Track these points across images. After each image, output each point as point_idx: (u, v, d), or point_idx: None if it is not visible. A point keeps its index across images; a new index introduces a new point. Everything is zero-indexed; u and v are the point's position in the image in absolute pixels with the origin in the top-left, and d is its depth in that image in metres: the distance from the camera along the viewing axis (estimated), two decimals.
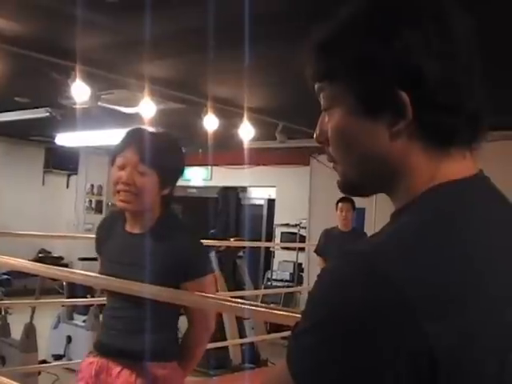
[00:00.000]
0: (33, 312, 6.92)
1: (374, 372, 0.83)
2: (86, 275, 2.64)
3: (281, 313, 2.03)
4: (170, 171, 2.77)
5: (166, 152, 2.75)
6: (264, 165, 12.22)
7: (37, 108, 9.09)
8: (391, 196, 1.05)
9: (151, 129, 2.84)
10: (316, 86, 1.08)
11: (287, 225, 12.03)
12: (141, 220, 2.76)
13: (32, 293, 8.20)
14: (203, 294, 2.68)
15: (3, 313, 7.31)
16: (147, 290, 2.59)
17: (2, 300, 7.80)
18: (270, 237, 12.86)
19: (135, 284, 2.62)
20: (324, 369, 0.86)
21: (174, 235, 2.72)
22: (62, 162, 14.05)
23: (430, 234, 0.92)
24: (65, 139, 11.66)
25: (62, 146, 12.24)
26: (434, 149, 1.00)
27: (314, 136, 1.11)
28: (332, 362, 0.85)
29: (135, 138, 2.74)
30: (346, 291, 0.87)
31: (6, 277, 8.08)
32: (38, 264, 2.92)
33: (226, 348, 7.76)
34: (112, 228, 2.88)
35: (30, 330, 6.78)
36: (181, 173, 2.85)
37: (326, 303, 0.88)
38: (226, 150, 11.36)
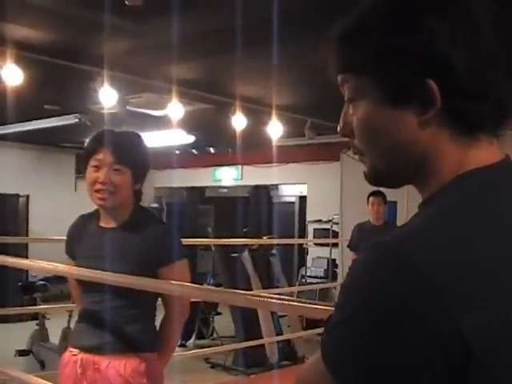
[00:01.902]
0: (70, 316, 7.00)
1: (407, 361, 0.83)
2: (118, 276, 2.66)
3: (312, 306, 2.03)
4: (141, 167, 2.91)
5: (137, 150, 2.91)
6: (294, 162, 12.20)
7: (66, 115, 9.17)
8: (419, 186, 1.05)
9: (116, 129, 2.97)
10: (339, 78, 1.08)
11: (319, 221, 12.00)
12: (115, 215, 2.87)
13: (68, 297, 8.29)
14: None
15: (41, 318, 7.41)
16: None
17: (39, 305, 7.89)
18: (302, 234, 12.84)
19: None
20: (357, 360, 0.86)
21: (146, 226, 2.83)
22: None
23: (459, 219, 0.92)
24: None
25: None
26: (461, 136, 0.99)
27: (338, 128, 1.10)
28: (365, 353, 0.85)
29: (108, 139, 2.85)
30: (375, 282, 0.87)
31: (42, 282, 8.16)
32: (71, 267, 2.95)
33: (262, 346, 7.77)
34: (84, 228, 2.96)
35: (67, 334, 6.86)
36: (148, 168, 2.97)
37: (356, 295, 0.89)
38: (255, 149, 11.36)
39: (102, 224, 2.90)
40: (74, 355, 2.82)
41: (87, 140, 3.00)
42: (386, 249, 0.90)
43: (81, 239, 2.92)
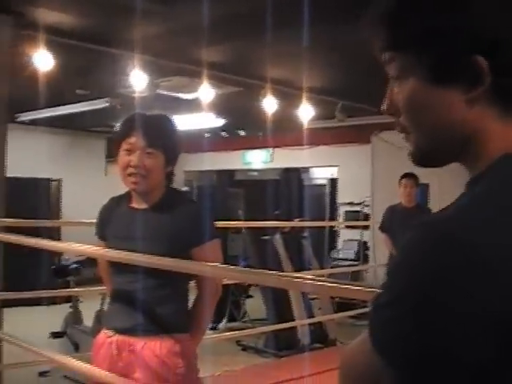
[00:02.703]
0: (103, 299, 7.08)
1: (457, 343, 0.82)
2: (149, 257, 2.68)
3: (343, 286, 2.05)
4: (173, 150, 2.94)
5: (168, 132, 2.94)
6: (325, 144, 12.18)
7: (97, 99, 9.23)
8: (465, 164, 1.03)
9: (148, 112, 2.99)
10: (385, 56, 1.05)
11: (351, 203, 11.99)
12: (148, 197, 2.89)
13: (101, 280, 8.37)
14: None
15: (75, 300, 7.50)
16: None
17: (73, 288, 7.98)
18: (333, 216, 12.83)
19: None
20: (405, 341, 0.85)
21: (177, 207, 2.85)
22: None
23: (508, 199, 0.90)
24: None
25: None
26: (509, 114, 0.98)
27: (384, 107, 1.09)
28: (413, 335, 0.84)
29: (139, 122, 2.87)
30: (423, 261, 0.86)
31: (75, 266, 8.25)
32: (104, 248, 2.99)
33: (293, 329, 7.80)
34: (115, 209, 2.99)
35: (101, 317, 6.94)
36: (180, 150, 3.00)
37: (404, 275, 0.88)
38: (285, 132, 11.35)
39: (134, 205, 2.93)
40: (109, 337, 2.85)
41: (119, 124, 3.03)
42: (434, 228, 0.89)
43: (112, 221, 2.95)
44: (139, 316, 2.80)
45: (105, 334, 2.89)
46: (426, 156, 1.06)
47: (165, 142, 2.87)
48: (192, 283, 2.96)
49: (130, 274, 2.80)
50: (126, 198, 2.97)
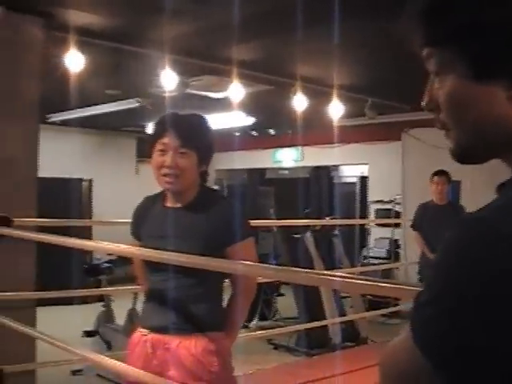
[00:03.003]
0: (135, 298, 7.12)
1: (503, 342, 0.81)
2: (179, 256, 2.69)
3: (375, 284, 2.03)
4: (206, 149, 2.94)
5: (201, 132, 2.94)
6: (355, 142, 12.13)
7: (127, 99, 9.28)
8: (507, 161, 1.01)
9: (182, 112, 2.98)
10: (424, 52, 1.04)
11: (381, 201, 11.93)
12: (182, 196, 2.90)
13: (133, 279, 8.41)
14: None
15: (107, 299, 7.55)
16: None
17: (104, 287, 8.04)
18: (363, 214, 12.77)
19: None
20: (448, 340, 0.84)
21: (212, 205, 2.86)
22: None
23: None
24: None
25: None
26: None
27: (423, 103, 1.08)
28: (455, 333, 0.84)
29: (172, 122, 2.88)
30: (468, 258, 0.85)
31: (107, 265, 8.31)
32: (138, 248, 3.00)
33: (325, 327, 7.79)
34: (150, 208, 3.00)
35: (133, 315, 6.98)
36: (214, 149, 2.99)
37: (448, 272, 0.87)
38: (315, 130, 11.33)
39: (168, 204, 2.94)
40: (144, 335, 2.87)
41: (151, 124, 3.05)
42: (479, 224, 0.87)
43: (146, 220, 2.96)
44: (174, 315, 2.81)
45: (140, 333, 2.91)
46: (467, 152, 1.05)
47: (198, 141, 2.87)
48: (227, 282, 2.96)
49: (164, 273, 2.81)
50: (161, 197, 2.98)
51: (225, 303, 2.98)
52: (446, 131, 1.05)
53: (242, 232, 2.83)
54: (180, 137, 2.82)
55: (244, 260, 2.67)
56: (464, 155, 1.05)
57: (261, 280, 6.45)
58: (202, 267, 2.60)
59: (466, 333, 0.83)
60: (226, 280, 2.96)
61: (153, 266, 2.88)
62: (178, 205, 2.91)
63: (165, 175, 2.84)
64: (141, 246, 2.96)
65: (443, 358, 0.85)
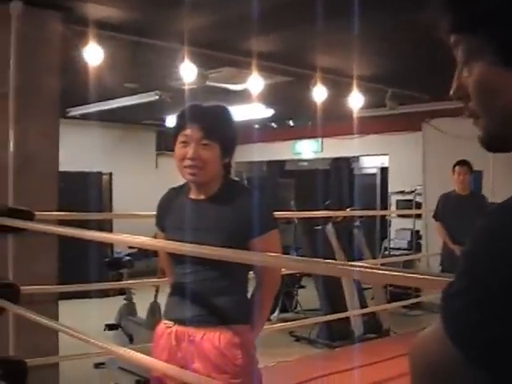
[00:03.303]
0: (157, 291, 7.15)
1: None
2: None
3: (397, 273, 2.02)
4: (229, 141, 2.93)
5: (224, 123, 2.93)
6: (375, 133, 12.09)
7: (146, 92, 9.30)
8: None
9: (205, 103, 2.97)
10: (452, 40, 1.03)
11: (402, 192, 11.89)
12: (206, 188, 2.90)
13: (154, 272, 8.48)
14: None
15: (129, 293, 7.59)
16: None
17: (126, 280, 8.08)
18: (384, 205, 12.74)
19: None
20: (480, 331, 0.84)
21: (236, 197, 2.86)
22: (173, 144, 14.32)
23: None
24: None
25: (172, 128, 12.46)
26: None
27: (452, 92, 1.06)
28: (485, 324, 0.83)
29: (195, 114, 2.87)
30: (495, 248, 0.84)
31: (128, 258, 8.35)
32: (162, 240, 3.01)
33: (346, 319, 7.79)
34: (174, 200, 3.00)
35: (155, 309, 7.01)
36: (237, 141, 2.99)
37: (474, 263, 0.86)
38: (335, 121, 11.30)
39: (192, 196, 2.94)
40: (169, 327, 2.88)
41: (171, 117, 3.05)
42: (508, 213, 0.87)
43: (171, 211, 2.97)
44: (198, 307, 2.82)
45: (164, 325, 2.92)
46: (496, 140, 1.03)
47: (221, 133, 2.87)
48: (251, 274, 2.96)
49: (188, 265, 2.82)
50: (185, 188, 2.99)
51: (249, 296, 2.98)
52: (474, 119, 1.04)
53: (266, 224, 2.83)
54: (202, 128, 2.82)
55: (269, 252, 2.66)
56: (493, 143, 1.04)
57: (282, 272, 6.46)
58: (226, 259, 2.60)
59: (495, 324, 0.82)
60: (251, 272, 2.95)
61: (177, 259, 2.89)
62: (202, 196, 2.91)
63: (187, 167, 2.84)
64: (165, 238, 2.97)
65: (474, 348, 0.85)
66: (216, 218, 2.83)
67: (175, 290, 2.98)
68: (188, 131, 2.83)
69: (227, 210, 2.82)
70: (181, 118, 2.91)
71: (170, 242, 2.85)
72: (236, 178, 3.17)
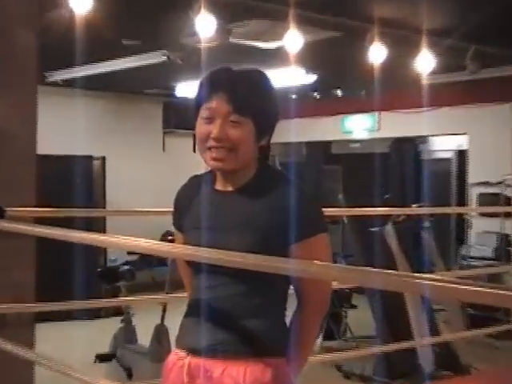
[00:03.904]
0: (164, 310, 7.16)
1: None
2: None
3: (480, 289, 1.95)
4: (267, 117, 2.87)
5: (261, 94, 2.86)
6: (450, 105, 12.02)
7: (150, 52, 9.29)
8: None
9: (235, 67, 2.90)
10: None
11: (486, 183, 11.79)
12: (236, 177, 2.87)
13: (161, 286, 8.46)
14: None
15: (127, 313, 7.60)
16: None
17: (124, 297, 8.08)
18: (462, 201, 12.68)
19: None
20: None
21: (275, 189, 2.82)
22: (186, 120, 14.24)
23: None
24: (188, 89, 11.88)
25: (185, 99, 12.45)
26: None
27: None
28: None
29: (221, 81, 2.82)
30: None
31: (126, 268, 8.35)
32: (167, 244, 2.97)
33: (412, 350, 7.74)
34: (197, 192, 2.97)
35: (161, 334, 7.01)
36: (278, 116, 2.93)
37: None
38: (397, 90, 11.25)
39: (219, 187, 2.91)
40: (181, 359, 2.84)
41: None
42: None
43: (192, 206, 2.95)
44: (220, 332, 2.78)
45: (176, 355, 2.89)
46: None
47: (256, 106, 2.81)
48: (291, 290, 2.93)
49: (211, 277, 2.79)
50: (210, 177, 2.95)
51: (288, 318, 2.93)
52: None
53: (312, 225, 2.80)
54: (231, 100, 2.76)
55: (316, 260, 2.60)
56: None
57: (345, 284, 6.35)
58: (258, 269, 2.54)
59: None
60: (291, 287, 2.91)
61: (196, 268, 2.86)
62: (230, 188, 2.88)
63: (211, 149, 2.80)
64: (183, 241, 2.93)
65: None
66: (247, 216, 2.79)
67: (192, 308, 2.94)
68: (213, 103, 2.78)
69: (262, 206, 2.79)
70: (203, 87, 2.86)
71: (181, 246, 2.81)
72: (276, 167, 3.11)
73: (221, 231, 2.77)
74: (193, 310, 2.93)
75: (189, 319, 2.93)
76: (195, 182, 3.02)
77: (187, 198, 2.98)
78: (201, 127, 2.81)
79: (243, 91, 2.79)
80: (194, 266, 2.87)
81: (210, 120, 2.79)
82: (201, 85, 2.87)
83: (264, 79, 2.90)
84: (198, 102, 2.84)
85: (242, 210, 2.80)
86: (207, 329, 2.79)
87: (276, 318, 2.86)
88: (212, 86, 2.82)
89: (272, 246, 2.68)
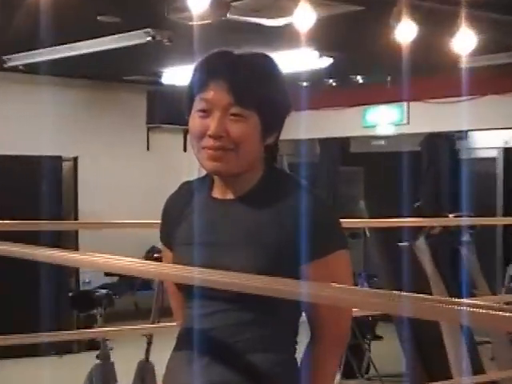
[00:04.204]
0: (149, 343, 7.15)
1: None
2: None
3: None
4: (275, 109, 2.87)
5: (268, 82, 2.86)
6: (495, 93, 12.03)
7: (132, 31, 9.30)
8: None
9: (236, 50, 2.90)
10: None
11: None
12: (237, 183, 2.86)
13: (146, 315, 8.46)
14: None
15: (104, 347, 7.58)
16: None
17: (100, 327, 8.06)
18: (510, 209, 12.70)
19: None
20: None
21: (285, 197, 2.82)
22: (175, 113, 14.20)
23: None
24: (177, 76, 11.90)
25: (173, 87, 12.49)
26: None
27: None
28: None
29: (220, 67, 2.81)
30: None
31: (103, 292, 8.33)
32: (153, 263, 2.95)
33: None
34: (188, 202, 2.97)
35: (145, 372, 7.01)
36: (288, 109, 2.93)
37: None
38: (430, 75, 11.26)
39: (217, 195, 2.91)
40: None
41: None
42: None
43: (183, 218, 2.94)
44: (218, 370, 2.77)
45: None
46: None
47: (261, 96, 2.81)
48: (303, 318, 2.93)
49: (207, 303, 2.79)
50: (206, 183, 2.96)
51: (299, 354, 2.93)
52: None
53: (330, 240, 2.81)
54: (233, 89, 2.76)
55: (335, 282, 2.57)
56: None
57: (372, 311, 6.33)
58: (263, 293, 2.53)
59: None
60: (303, 315, 2.91)
61: (190, 293, 2.85)
62: (231, 196, 2.88)
63: (207, 148, 2.79)
64: (173, 260, 2.93)
65: None
66: (251, 230, 2.78)
67: (183, 341, 2.94)
68: (210, 93, 2.78)
69: (270, 217, 2.79)
70: (199, 73, 2.86)
71: (175, 266, 2.79)
72: (284, 169, 3.10)
73: (219, 248, 2.78)
74: (184, 344, 2.92)
75: (179, 354, 2.92)
76: (187, 190, 3.03)
77: (178, 209, 2.98)
78: (195, 122, 2.81)
79: (247, 79, 2.79)
80: (186, 290, 2.86)
81: (206, 113, 2.78)
82: (195, 71, 2.87)
83: (271, 64, 2.90)
84: (192, 92, 2.84)
85: (246, 222, 2.80)
86: (201, 367, 2.78)
87: (285, 351, 2.86)
88: (209, 72, 2.81)
89: (282, 265, 2.68)
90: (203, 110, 2.78)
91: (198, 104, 2.80)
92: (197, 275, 2.65)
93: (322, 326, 2.85)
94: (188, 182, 3.06)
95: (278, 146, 2.95)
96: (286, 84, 2.94)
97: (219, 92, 2.76)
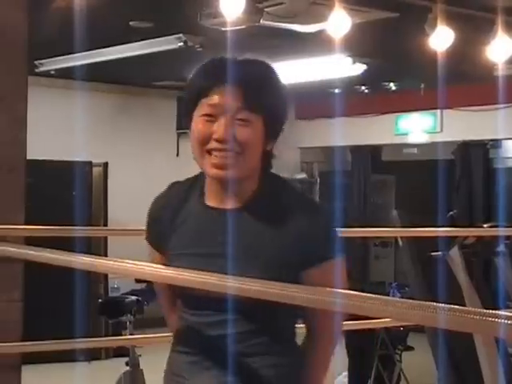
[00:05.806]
0: None
1: None
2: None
3: None
4: (279, 115, 2.91)
5: (273, 88, 2.89)
6: None
7: (164, 36, 9.31)
8: None
9: (240, 56, 2.92)
10: None
11: None
12: (236, 191, 2.85)
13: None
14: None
15: (133, 354, 7.57)
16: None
17: (131, 334, 8.05)
18: None
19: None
20: None
21: (285, 206, 2.83)
22: None
23: None
24: None
25: None
26: None
27: None
28: None
29: (227, 72, 2.80)
30: None
31: (133, 298, 8.32)
32: (186, 270, 2.93)
33: None
34: (182, 205, 2.97)
35: None
36: (286, 116, 2.96)
37: None
38: (465, 83, 11.22)
39: (211, 203, 2.90)
40: None
41: (193, 74, 2.97)
42: None
43: (177, 223, 2.94)
44: (218, 376, 2.78)
45: None
46: None
47: (268, 102, 2.83)
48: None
49: (206, 312, 2.80)
50: (197, 186, 2.96)
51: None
52: None
53: (330, 247, 2.82)
54: (242, 94, 2.77)
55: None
56: None
57: (374, 325, 6.29)
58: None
59: None
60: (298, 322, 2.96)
61: (189, 300, 2.87)
62: (229, 204, 2.87)
63: (213, 152, 2.79)
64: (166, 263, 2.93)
65: None
66: (253, 240, 2.80)
67: (181, 351, 2.94)
68: (215, 98, 2.78)
69: (271, 227, 2.80)
70: (204, 78, 2.87)
71: (212, 273, 2.78)
72: (281, 175, 3.08)
73: (221, 259, 2.75)
74: (181, 352, 2.93)
75: (185, 368, 2.91)
76: (178, 191, 3.04)
77: (169, 212, 2.98)
78: (199, 126, 2.81)
79: (255, 84, 2.81)
80: (186, 298, 2.89)
81: (211, 118, 2.79)
82: (199, 75, 2.89)
83: (274, 72, 2.93)
84: (194, 97, 2.84)
85: (247, 234, 2.81)
86: (201, 373, 2.82)
87: (284, 355, 2.89)
88: (216, 77, 2.81)
89: (281, 275, 2.66)
90: (209, 115, 2.78)
91: (202, 109, 2.80)
92: (231, 283, 2.64)
93: (320, 329, 2.92)
94: (178, 183, 3.07)
95: (273, 153, 2.96)
96: (285, 92, 2.96)
97: (227, 97, 2.76)
